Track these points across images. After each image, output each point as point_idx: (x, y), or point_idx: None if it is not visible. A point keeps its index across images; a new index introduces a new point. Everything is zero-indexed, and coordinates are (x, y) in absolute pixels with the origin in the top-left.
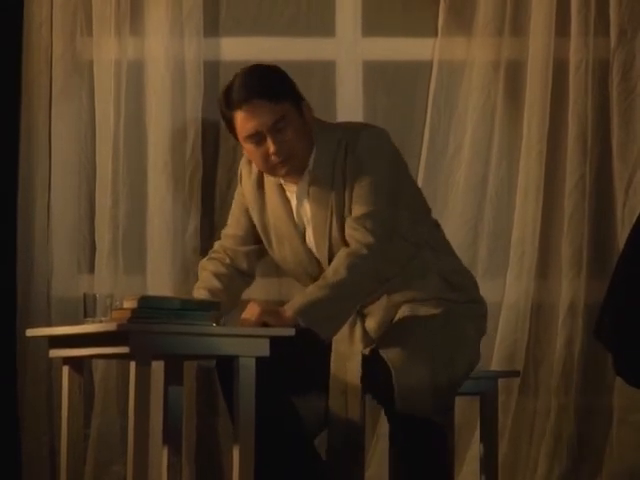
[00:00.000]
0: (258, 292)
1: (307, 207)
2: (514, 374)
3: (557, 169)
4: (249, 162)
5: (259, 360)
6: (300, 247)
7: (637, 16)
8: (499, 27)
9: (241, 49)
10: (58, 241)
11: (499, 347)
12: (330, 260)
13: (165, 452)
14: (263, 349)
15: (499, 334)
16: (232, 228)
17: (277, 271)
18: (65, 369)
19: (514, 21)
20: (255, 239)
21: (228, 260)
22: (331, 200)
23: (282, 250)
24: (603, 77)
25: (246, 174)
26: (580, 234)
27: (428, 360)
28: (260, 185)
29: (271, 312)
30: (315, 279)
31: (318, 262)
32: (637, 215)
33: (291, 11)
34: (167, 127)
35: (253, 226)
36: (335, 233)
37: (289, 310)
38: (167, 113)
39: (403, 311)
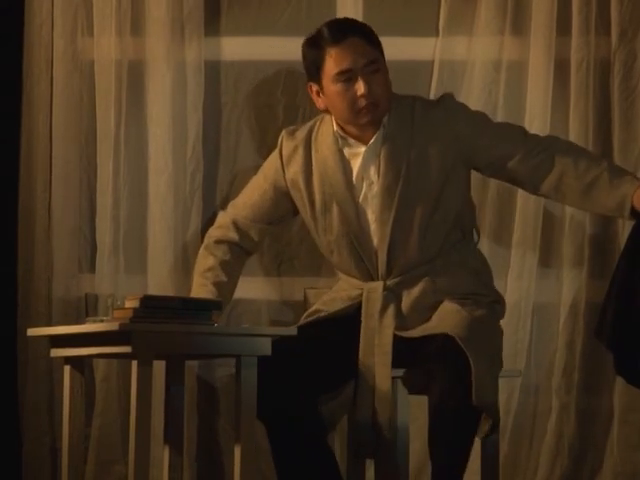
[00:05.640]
0: (258, 292)
1: (373, 168)
2: (515, 373)
3: None
4: (292, 133)
5: (265, 357)
6: (352, 211)
7: (638, 15)
8: (500, 26)
9: (241, 49)
10: (59, 241)
11: None
12: (396, 216)
13: (166, 452)
14: (265, 348)
15: None
16: (253, 198)
17: (277, 271)
18: (66, 369)
19: (515, 20)
20: (272, 218)
21: (237, 237)
22: (406, 158)
23: (328, 217)
24: (604, 77)
25: (290, 144)
26: (581, 234)
27: (490, 357)
28: (307, 152)
29: None
30: (354, 252)
31: (364, 229)
32: None
33: (291, 11)
34: (168, 127)
35: (277, 202)
36: (410, 187)
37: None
38: (168, 113)
39: (447, 304)
